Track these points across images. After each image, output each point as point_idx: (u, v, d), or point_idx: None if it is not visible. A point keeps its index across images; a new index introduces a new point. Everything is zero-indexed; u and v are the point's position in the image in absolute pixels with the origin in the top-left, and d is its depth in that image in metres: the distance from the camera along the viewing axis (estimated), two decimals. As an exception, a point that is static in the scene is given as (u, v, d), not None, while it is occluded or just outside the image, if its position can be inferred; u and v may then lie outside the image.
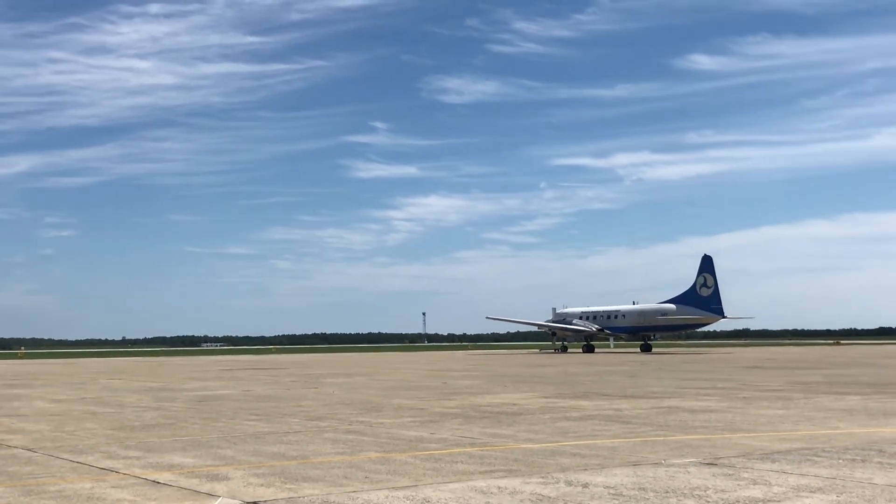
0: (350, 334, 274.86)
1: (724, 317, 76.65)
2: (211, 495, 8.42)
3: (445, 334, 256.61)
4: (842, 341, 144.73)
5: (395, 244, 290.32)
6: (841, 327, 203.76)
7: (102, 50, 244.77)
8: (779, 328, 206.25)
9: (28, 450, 12.26)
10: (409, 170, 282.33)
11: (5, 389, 28.55)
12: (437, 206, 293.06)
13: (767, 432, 13.56)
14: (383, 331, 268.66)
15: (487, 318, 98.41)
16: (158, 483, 9.21)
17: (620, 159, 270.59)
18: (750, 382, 27.90)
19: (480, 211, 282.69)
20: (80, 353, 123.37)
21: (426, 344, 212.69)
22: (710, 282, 75.50)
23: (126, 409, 19.89)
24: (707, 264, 76.05)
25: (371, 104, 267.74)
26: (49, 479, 9.52)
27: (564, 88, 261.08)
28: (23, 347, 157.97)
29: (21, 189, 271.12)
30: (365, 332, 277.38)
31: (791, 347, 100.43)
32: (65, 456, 11.53)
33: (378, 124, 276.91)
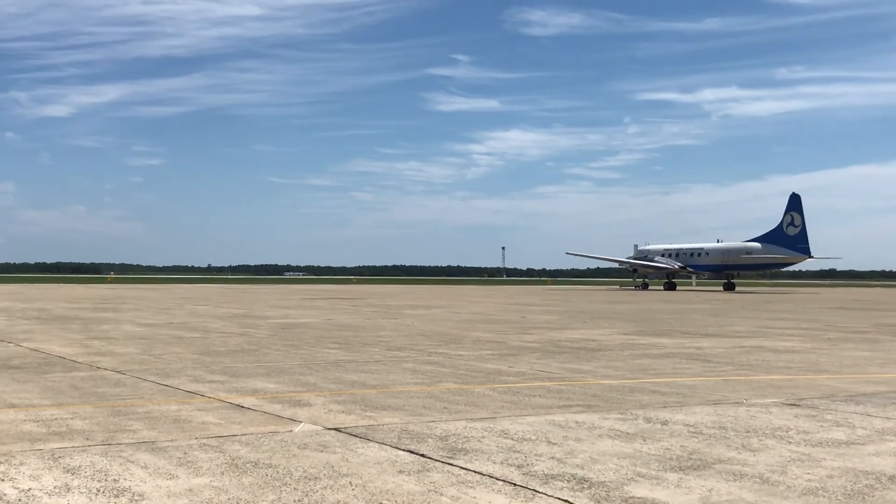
0: (429, 267, 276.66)
1: (810, 256, 75.21)
2: (293, 420, 8.56)
3: (524, 269, 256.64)
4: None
5: (475, 178, 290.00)
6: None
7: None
8: (866, 269, 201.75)
9: (117, 372, 12.61)
10: (491, 103, 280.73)
11: (95, 313, 29.42)
12: (519, 141, 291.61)
13: (852, 374, 13.29)
14: (462, 264, 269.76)
15: (567, 253, 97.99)
16: (242, 407, 9.40)
17: (707, 95, 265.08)
18: (835, 323, 27.36)
19: (562, 146, 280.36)
20: (167, 279, 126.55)
21: (505, 278, 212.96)
22: (797, 221, 73.97)
23: (211, 334, 20.33)
24: (795, 203, 74.43)
25: (453, 36, 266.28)
26: (137, 401, 9.79)
27: (651, 21, 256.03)
28: (112, 272, 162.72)
29: (111, 118, 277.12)
30: (444, 265, 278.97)
31: (878, 289, 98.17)
32: (152, 378, 11.83)
33: (460, 57, 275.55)
